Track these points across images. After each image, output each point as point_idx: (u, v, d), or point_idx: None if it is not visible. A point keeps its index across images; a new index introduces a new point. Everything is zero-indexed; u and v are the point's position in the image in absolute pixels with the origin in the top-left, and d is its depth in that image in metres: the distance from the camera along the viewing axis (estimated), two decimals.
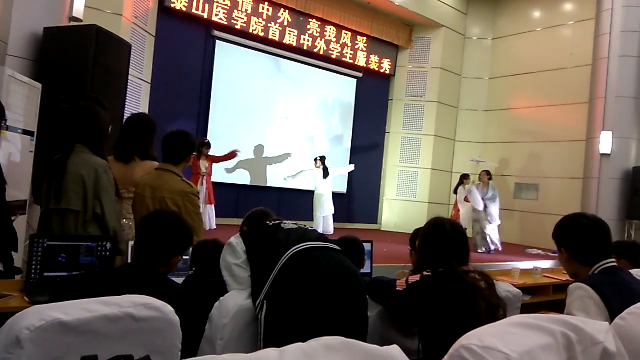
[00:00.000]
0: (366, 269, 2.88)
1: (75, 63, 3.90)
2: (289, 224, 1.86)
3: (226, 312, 1.55)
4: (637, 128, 8.66)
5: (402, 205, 11.26)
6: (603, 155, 8.64)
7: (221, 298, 1.61)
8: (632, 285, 1.77)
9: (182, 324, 1.27)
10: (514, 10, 11.38)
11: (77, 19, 4.54)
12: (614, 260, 1.84)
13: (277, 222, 1.89)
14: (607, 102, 8.71)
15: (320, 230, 8.26)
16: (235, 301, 1.60)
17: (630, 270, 2.92)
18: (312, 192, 8.88)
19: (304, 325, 1.56)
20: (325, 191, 8.73)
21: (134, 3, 6.97)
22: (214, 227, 7.59)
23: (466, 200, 9.07)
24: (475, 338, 0.84)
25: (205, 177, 7.48)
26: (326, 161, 8.85)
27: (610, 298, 1.63)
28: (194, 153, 2.73)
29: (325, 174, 8.71)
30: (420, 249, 1.95)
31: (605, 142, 8.59)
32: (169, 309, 1.26)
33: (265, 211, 2.16)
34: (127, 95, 5.67)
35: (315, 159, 8.87)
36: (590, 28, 9.42)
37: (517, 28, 11.24)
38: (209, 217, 7.48)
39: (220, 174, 8.96)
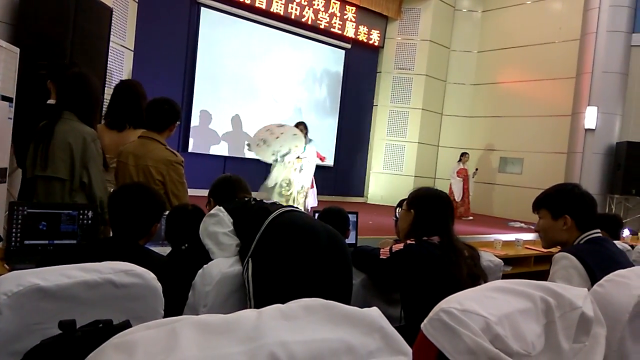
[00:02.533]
0: (351, 240, 2.89)
1: (54, 27, 3.76)
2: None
3: (209, 279, 1.55)
4: (622, 103, 8.73)
5: (389, 179, 11.30)
6: (588, 130, 8.72)
7: (204, 265, 1.61)
8: (615, 256, 1.80)
9: (165, 293, 1.27)
10: None
11: None
12: (599, 231, 1.88)
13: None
14: (593, 77, 8.73)
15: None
16: (219, 268, 1.59)
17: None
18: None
19: (289, 279, 1.58)
20: None
21: None
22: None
23: (458, 174, 9.57)
24: (455, 302, 0.84)
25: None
26: None
27: (593, 268, 1.65)
28: None
29: None
30: (418, 216, 1.94)
31: (590, 117, 8.66)
32: (150, 275, 1.25)
33: (230, 178, 2.14)
34: (109, 62, 5.52)
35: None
36: (579, 2, 9.35)
37: (506, 0, 11.13)
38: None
39: (203, 146, 8.90)
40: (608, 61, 8.61)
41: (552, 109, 10.04)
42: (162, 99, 2.65)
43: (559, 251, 1.78)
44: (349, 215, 2.71)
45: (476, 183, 10.64)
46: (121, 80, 2.91)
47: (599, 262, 1.68)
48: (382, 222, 7.53)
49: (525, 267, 3.77)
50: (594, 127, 8.65)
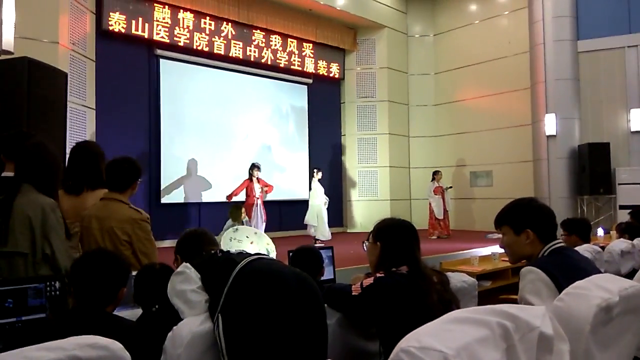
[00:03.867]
0: (328, 275, 2.89)
1: (8, 97, 3.74)
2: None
3: (180, 342, 1.51)
4: (578, 107, 9.07)
5: (365, 205, 11.36)
6: (549, 136, 9.00)
7: (174, 327, 1.57)
8: (580, 264, 1.84)
9: None
10: (451, 5, 11.72)
11: (7, 52, 4.37)
12: (561, 240, 1.93)
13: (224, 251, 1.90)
14: (547, 85, 9.08)
15: (327, 236, 8.60)
16: (188, 328, 1.56)
17: (579, 247, 3.05)
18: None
19: (261, 330, 1.55)
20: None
21: (70, 29, 6.77)
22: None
23: (435, 192, 9.70)
24: (413, 340, 0.85)
25: (259, 200, 7.97)
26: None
27: (559, 278, 1.68)
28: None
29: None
30: (384, 248, 1.96)
31: (550, 124, 8.95)
32: (117, 345, 1.22)
33: (195, 232, 2.13)
34: (70, 123, 5.50)
35: (319, 170, 9.12)
36: (524, 16, 9.80)
37: (456, 22, 11.58)
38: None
39: (176, 196, 8.82)
40: (559, 69, 8.98)
41: (512, 120, 10.35)
42: (122, 158, 2.65)
43: (525, 265, 1.81)
44: (323, 252, 2.71)
45: (454, 200, 10.80)
46: (77, 143, 2.90)
47: (564, 271, 1.71)
48: (363, 251, 7.51)
49: (504, 280, 3.81)
50: (555, 133, 8.94)
